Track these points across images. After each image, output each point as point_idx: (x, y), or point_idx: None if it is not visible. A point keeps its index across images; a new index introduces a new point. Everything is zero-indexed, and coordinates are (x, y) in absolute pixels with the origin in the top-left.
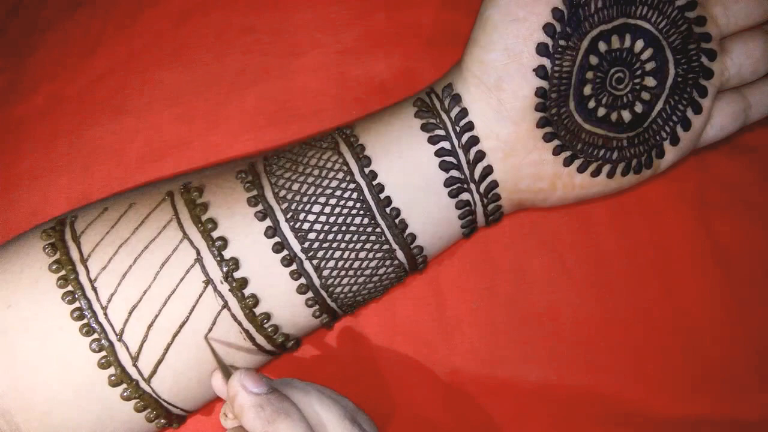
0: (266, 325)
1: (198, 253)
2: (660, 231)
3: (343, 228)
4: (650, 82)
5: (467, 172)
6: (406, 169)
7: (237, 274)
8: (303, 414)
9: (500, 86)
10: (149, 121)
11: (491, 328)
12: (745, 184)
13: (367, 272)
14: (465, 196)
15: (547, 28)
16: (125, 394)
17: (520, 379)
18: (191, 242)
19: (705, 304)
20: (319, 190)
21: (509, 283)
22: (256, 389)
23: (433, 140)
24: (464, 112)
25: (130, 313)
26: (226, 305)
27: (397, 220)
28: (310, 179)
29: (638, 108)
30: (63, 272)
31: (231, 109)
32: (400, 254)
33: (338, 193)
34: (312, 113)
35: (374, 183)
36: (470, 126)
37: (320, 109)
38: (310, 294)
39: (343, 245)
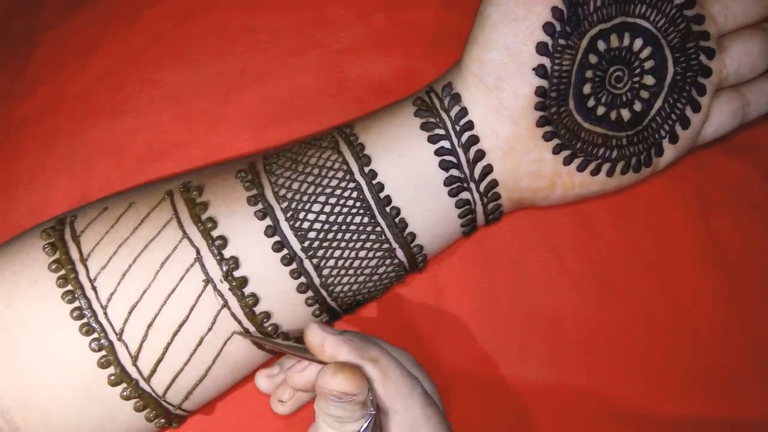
0: (266, 324)
1: (198, 252)
2: (660, 231)
3: (343, 227)
4: (649, 80)
5: (467, 171)
6: (406, 168)
7: (237, 273)
8: None
9: (500, 85)
10: (149, 121)
11: (491, 328)
12: (745, 184)
13: (367, 271)
14: (465, 195)
15: (547, 27)
16: (125, 393)
17: (520, 379)
18: (191, 241)
19: (705, 304)
20: (319, 189)
21: (509, 283)
22: (336, 333)
23: (432, 139)
24: (464, 111)
25: (130, 312)
26: (225, 304)
27: (396, 219)
28: (310, 178)
29: (637, 106)
30: (63, 272)
31: (231, 108)
32: (399, 253)
33: (338, 192)
34: (312, 113)
35: (374, 182)
36: (470, 125)
37: (320, 109)
38: (310, 293)
39: (343, 244)
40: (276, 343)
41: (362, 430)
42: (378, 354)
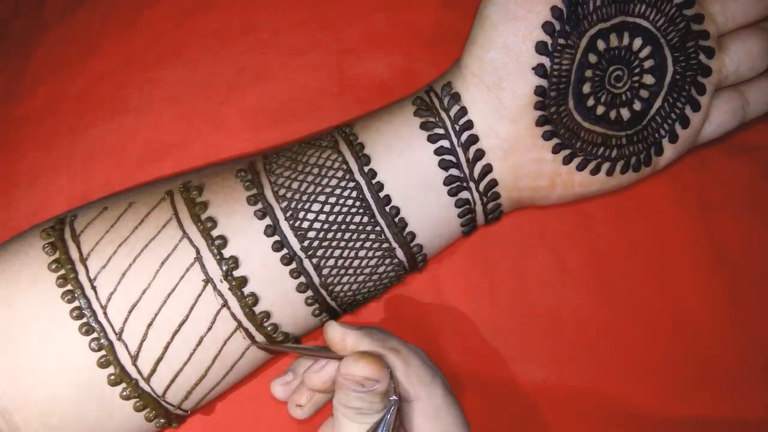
0: (266, 324)
1: (197, 251)
2: (660, 230)
3: (343, 226)
4: (649, 80)
5: (467, 170)
6: (406, 167)
7: (236, 273)
8: None
9: (499, 85)
10: (149, 120)
11: (491, 328)
12: (745, 183)
13: (367, 271)
14: (464, 194)
15: (546, 27)
16: (125, 393)
17: (520, 379)
18: (191, 241)
19: (705, 304)
20: (319, 189)
21: (509, 283)
22: (355, 327)
23: (432, 139)
24: (463, 111)
25: (130, 312)
26: (225, 304)
27: (396, 219)
28: (310, 178)
29: (637, 106)
30: (62, 271)
31: (231, 108)
32: (399, 253)
33: (338, 191)
34: (312, 113)
35: (373, 181)
36: (469, 124)
37: (320, 109)
38: (309, 293)
39: (342, 244)
40: (293, 348)
41: (385, 418)
42: (398, 344)
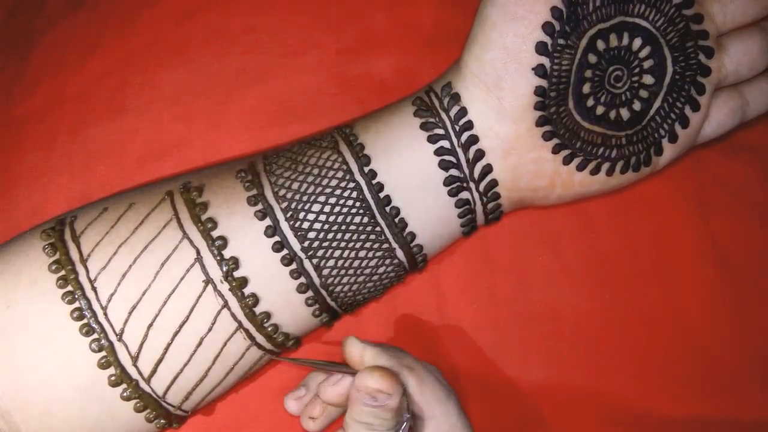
0: (266, 325)
1: (198, 252)
2: (660, 231)
3: (343, 227)
4: (648, 80)
5: (467, 170)
6: (406, 167)
7: (237, 274)
8: None
9: (499, 85)
10: (149, 121)
11: (491, 328)
12: (745, 184)
13: (367, 271)
14: (464, 194)
15: (546, 27)
16: (125, 394)
17: (520, 379)
18: (191, 242)
19: (705, 304)
20: (319, 189)
21: (509, 283)
22: (374, 344)
23: (432, 139)
24: (463, 111)
25: (130, 312)
26: (226, 305)
27: (396, 219)
28: (310, 178)
29: (636, 106)
30: (63, 272)
31: (231, 108)
32: (399, 253)
33: (338, 192)
34: (312, 113)
35: (374, 182)
36: (469, 125)
37: (320, 109)
38: (309, 293)
39: (342, 244)
40: (308, 362)
41: None
42: (413, 362)
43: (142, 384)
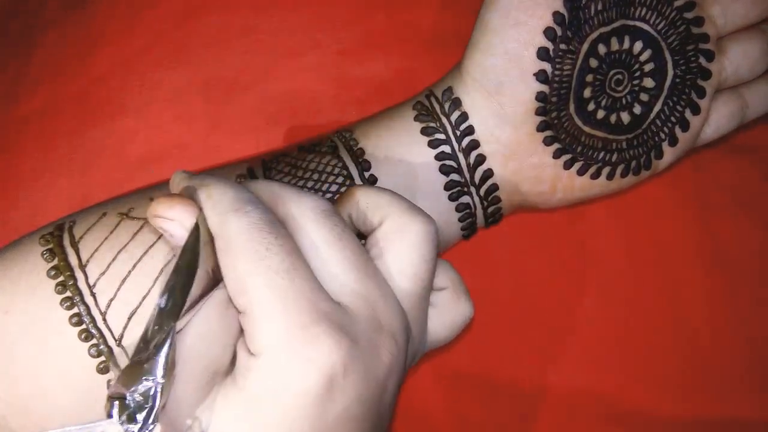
0: None
1: None
2: (660, 231)
3: None
4: (649, 83)
5: (467, 175)
6: (406, 172)
7: None
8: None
9: (501, 90)
10: (149, 121)
11: (491, 328)
12: (745, 185)
13: None
14: (465, 199)
15: (548, 32)
16: None
17: (519, 378)
18: None
19: (705, 304)
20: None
21: (509, 283)
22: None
23: (433, 144)
24: (464, 116)
25: (130, 318)
26: None
27: None
28: (310, 183)
29: (637, 109)
30: (61, 278)
31: (231, 109)
32: None
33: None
34: (312, 113)
35: None
36: (470, 130)
37: (320, 109)
38: None
39: None
40: None
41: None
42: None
43: None
